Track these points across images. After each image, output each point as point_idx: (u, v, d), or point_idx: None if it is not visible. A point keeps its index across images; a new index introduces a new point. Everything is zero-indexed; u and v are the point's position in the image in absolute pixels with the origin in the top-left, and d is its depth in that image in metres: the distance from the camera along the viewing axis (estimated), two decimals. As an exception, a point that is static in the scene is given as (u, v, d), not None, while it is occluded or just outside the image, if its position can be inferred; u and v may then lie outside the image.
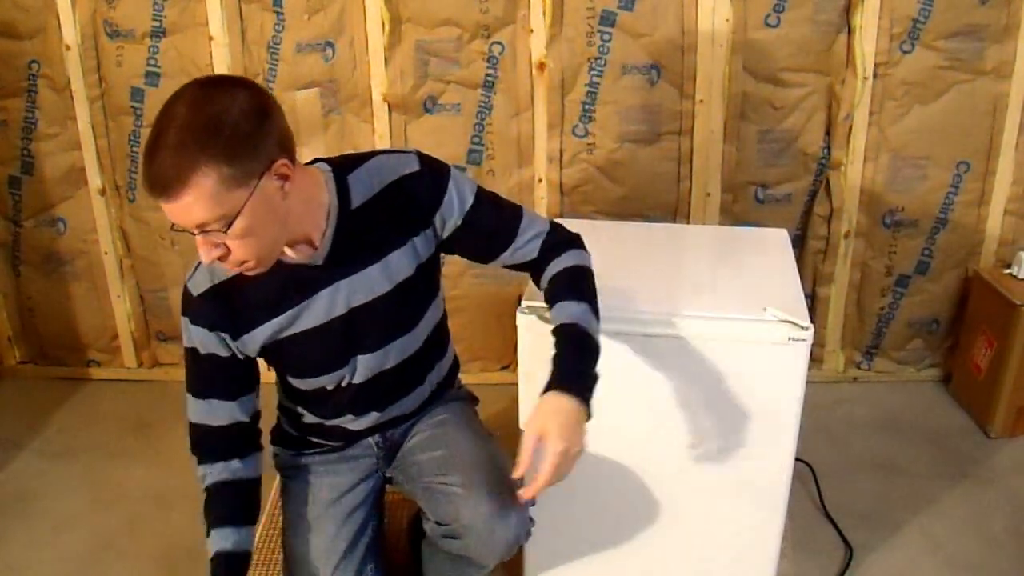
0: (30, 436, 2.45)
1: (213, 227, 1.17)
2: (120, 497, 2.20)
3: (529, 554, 1.77)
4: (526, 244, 1.45)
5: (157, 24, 2.32)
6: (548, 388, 1.29)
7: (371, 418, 1.54)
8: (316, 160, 1.40)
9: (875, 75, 2.27)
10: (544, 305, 1.57)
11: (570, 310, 1.36)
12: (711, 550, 1.71)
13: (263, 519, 2.04)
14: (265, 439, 1.65)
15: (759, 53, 2.29)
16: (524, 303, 1.59)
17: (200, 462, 1.45)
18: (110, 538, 2.05)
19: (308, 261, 1.35)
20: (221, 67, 2.33)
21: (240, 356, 1.42)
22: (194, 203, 1.14)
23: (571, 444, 1.25)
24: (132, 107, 2.41)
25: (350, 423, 1.55)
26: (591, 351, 1.35)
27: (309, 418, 1.57)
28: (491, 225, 1.44)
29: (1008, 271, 2.37)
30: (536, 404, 1.28)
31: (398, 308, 1.43)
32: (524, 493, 1.29)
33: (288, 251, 1.34)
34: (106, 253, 2.57)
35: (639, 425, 1.62)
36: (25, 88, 2.42)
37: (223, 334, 1.39)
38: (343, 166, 1.38)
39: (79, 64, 2.36)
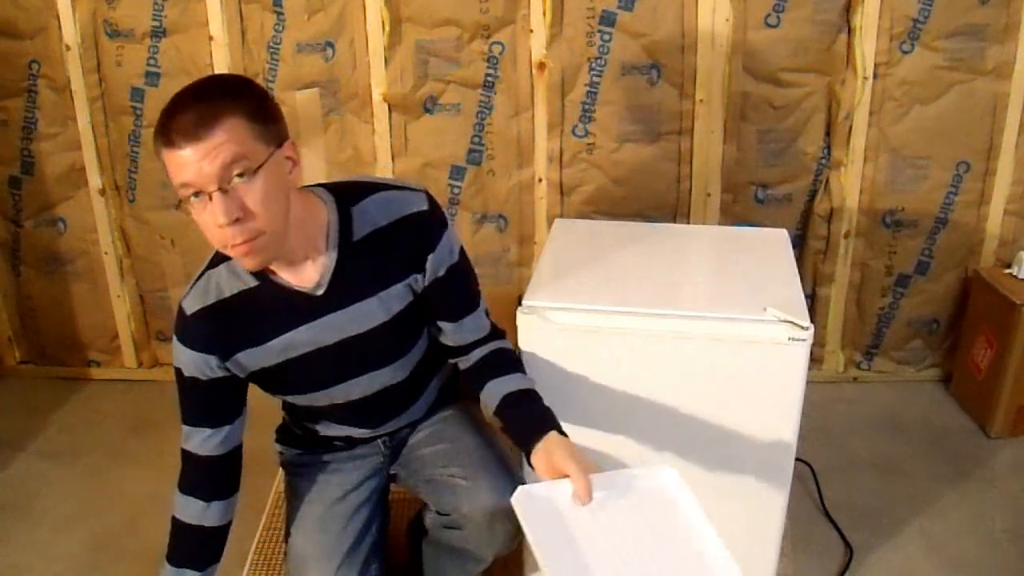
0: (30, 436, 2.45)
1: (238, 171, 1.15)
2: (120, 497, 2.19)
3: (528, 552, 1.77)
4: (477, 321, 1.48)
5: (157, 24, 2.32)
6: (548, 431, 1.30)
7: (371, 429, 1.56)
8: (314, 185, 1.38)
9: (875, 75, 2.27)
10: (546, 305, 1.57)
11: (517, 379, 1.43)
12: (711, 550, 1.71)
13: (264, 519, 2.04)
14: (270, 437, 1.67)
15: (759, 53, 2.29)
16: (524, 303, 1.60)
17: (181, 491, 1.43)
18: (110, 538, 2.05)
19: (308, 290, 1.33)
20: (221, 67, 2.33)
21: (228, 377, 1.38)
22: (225, 142, 1.14)
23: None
24: (132, 107, 2.41)
25: (352, 432, 1.57)
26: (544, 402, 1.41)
27: (312, 425, 1.59)
28: (462, 288, 1.46)
29: (1008, 271, 2.37)
30: (553, 447, 1.27)
31: (391, 337, 1.42)
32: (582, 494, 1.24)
33: (287, 276, 1.33)
34: (106, 253, 2.57)
35: (639, 425, 1.62)
36: (25, 88, 2.42)
37: (212, 356, 1.35)
38: (346, 196, 1.35)
39: (79, 64, 2.36)
